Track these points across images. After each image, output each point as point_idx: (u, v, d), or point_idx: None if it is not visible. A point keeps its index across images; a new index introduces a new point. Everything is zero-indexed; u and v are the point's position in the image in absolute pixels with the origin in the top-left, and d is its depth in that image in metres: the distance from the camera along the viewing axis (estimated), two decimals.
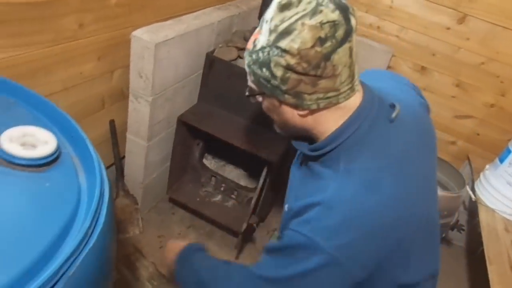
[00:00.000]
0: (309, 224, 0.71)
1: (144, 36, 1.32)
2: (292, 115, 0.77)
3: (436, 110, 2.07)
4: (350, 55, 0.69)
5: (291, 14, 0.66)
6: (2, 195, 0.55)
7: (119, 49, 1.39)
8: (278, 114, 0.80)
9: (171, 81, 1.52)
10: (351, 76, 0.72)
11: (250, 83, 0.79)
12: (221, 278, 0.84)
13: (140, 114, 1.50)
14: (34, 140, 0.66)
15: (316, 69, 0.67)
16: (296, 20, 0.65)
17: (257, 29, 0.73)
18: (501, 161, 1.69)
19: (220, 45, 1.67)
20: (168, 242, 1.07)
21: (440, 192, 1.69)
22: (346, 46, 0.67)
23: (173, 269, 0.96)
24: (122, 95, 1.55)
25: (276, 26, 0.67)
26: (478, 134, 2.01)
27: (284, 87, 0.71)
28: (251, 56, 0.73)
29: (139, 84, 1.42)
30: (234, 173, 1.99)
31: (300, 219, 0.73)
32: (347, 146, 0.75)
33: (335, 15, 0.65)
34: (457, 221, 1.80)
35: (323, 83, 0.69)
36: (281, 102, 0.75)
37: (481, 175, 1.82)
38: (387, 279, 0.77)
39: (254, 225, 1.59)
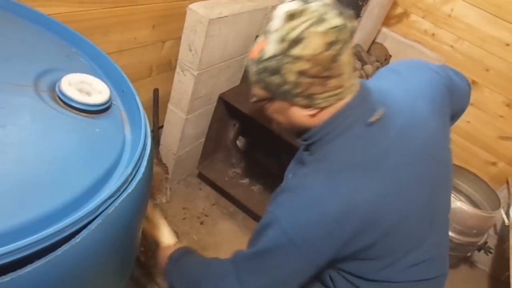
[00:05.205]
0: (278, 205, 0.81)
1: (200, 11, 1.35)
2: (300, 115, 0.81)
3: (480, 128, 2.00)
4: (351, 54, 0.76)
5: (298, 23, 0.70)
6: (57, 132, 0.59)
7: (174, 20, 1.43)
8: (286, 116, 0.84)
9: (217, 59, 1.55)
10: (352, 71, 0.78)
11: (257, 91, 0.83)
12: (211, 274, 0.88)
13: (184, 86, 1.54)
14: (90, 88, 0.70)
15: (326, 71, 0.73)
16: (305, 29, 0.70)
17: (261, 39, 0.77)
18: None
19: None
20: (160, 247, 1.06)
21: (472, 210, 1.64)
22: (349, 46, 0.74)
23: (164, 269, 0.98)
24: (169, 66, 1.59)
25: (286, 35, 0.71)
26: None
27: (296, 91, 0.76)
28: (259, 65, 0.76)
29: (187, 57, 1.46)
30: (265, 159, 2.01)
31: (275, 201, 0.83)
32: (324, 142, 0.82)
33: (339, 21, 0.70)
34: (486, 242, 1.75)
35: (332, 82, 0.75)
36: (292, 105, 0.80)
37: None
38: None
39: None
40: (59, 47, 0.78)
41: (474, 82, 1.89)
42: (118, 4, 1.18)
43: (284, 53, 0.72)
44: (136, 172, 0.62)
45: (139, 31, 1.34)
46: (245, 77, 1.76)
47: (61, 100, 0.64)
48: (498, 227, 2.00)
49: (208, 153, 1.90)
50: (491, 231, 2.01)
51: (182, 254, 0.97)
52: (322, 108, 0.79)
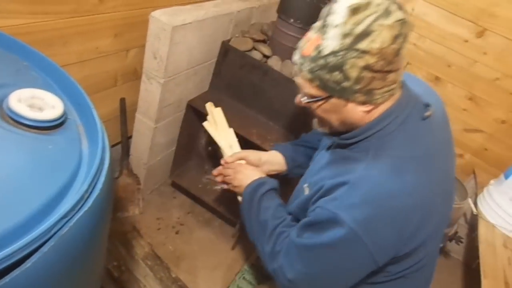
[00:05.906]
0: (335, 201, 0.78)
1: (162, 18, 1.33)
2: (355, 112, 0.80)
3: None
4: (406, 49, 0.75)
5: (363, 17, 0.70)
6: (5, 152, 0.57)
7: (136, 28, 1.41)
8: (339, 115, 0.82)
9: (184, 66, 1.53)
10: (403, 67, 0.78)
11: (309, 90, 0.80)
12: (268, 236, 0.95)
13: (150, 95, 1.52)
14: (42, 103, 0.67)
15: (389, 65, 0.72)
16: (372, 22, 0.69)
17: (315, 35, 0.75)
18: (506, 177, 1.68)
19: (236, 35, 1.68)
20: (244, 165, 1.22)
21: None
22: (407, 40, 0.73)
23: (242, 196, 1.11)
24: (135, 75, 1.56)
25: (351, 30, 0.70)
26: (486, 149, 1.99)
27: (356, 87, 0.74)
28: (315, 62, 0.74)
29: (152, 65, 1.44)
30: None
31: (329, 197, 0.80)
32: (379, 136, 0.81)
33: (401, 14, 0.71)
34: (456, 232, 1.79)
35: (390, 77, 0.74)
36: (349, 101, 0.78)
37: (485, 189, 1.80)
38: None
39: None
40: (8, 61, 0.75)
41: (437, 78, 1.94)
42: (76, 14, 1.15)
43: (348, 48, 0.70)
44: (93, 189, 0.60)
45: (101, 40, 1.30)
46: (213, 82, 1.75)
47: (9, 117, 0.62)
48: (468, 216, 2.06)
49: (180, 161, 1.88)
50: (462, 221, 2.07)
51: (261, 190, 1.05)
52: (378, 104, 0.79)
